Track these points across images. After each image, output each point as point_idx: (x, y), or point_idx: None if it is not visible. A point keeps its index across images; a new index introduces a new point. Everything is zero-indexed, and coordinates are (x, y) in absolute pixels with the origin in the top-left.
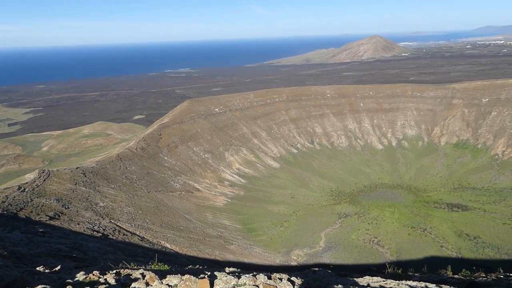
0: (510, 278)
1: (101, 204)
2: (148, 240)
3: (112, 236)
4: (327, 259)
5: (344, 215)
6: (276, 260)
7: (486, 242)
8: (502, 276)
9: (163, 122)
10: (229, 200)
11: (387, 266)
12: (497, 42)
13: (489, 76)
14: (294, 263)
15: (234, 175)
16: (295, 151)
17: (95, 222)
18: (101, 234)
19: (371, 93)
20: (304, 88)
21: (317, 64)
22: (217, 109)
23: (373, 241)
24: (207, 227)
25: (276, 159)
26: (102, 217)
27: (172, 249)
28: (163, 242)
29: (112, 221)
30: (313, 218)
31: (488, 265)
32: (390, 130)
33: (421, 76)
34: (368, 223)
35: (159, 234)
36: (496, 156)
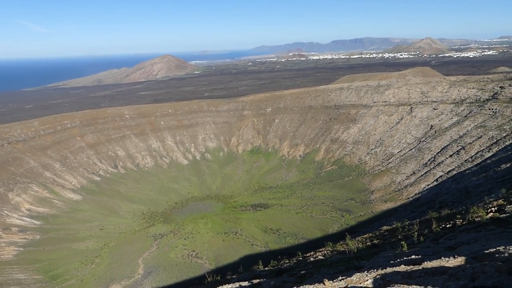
0: (307, 258)
1: None
2: None
3: None
4: (148, 285)
5: (160, 236)
6: None
7: (286, 232)
8: (301, 258)
9: None
10: (22, 249)
11: (207, 276)
12: (271, 59)
13: (269, 89)
14: None
15: (24, 218)
16: (98, 178)
17: None
18: None
19: (170, 110)
20: (100, 111)
21: (111, 85)
22: None
23: (192, 255)
24: None
25: (77, 190)
26: None
27: None
28: None
29: None
30: (128, 246)
31: (290, 251)
32: (193, 145)
33: (214, 92)
34: (185, 238)
35: None
36: (284, 157)
